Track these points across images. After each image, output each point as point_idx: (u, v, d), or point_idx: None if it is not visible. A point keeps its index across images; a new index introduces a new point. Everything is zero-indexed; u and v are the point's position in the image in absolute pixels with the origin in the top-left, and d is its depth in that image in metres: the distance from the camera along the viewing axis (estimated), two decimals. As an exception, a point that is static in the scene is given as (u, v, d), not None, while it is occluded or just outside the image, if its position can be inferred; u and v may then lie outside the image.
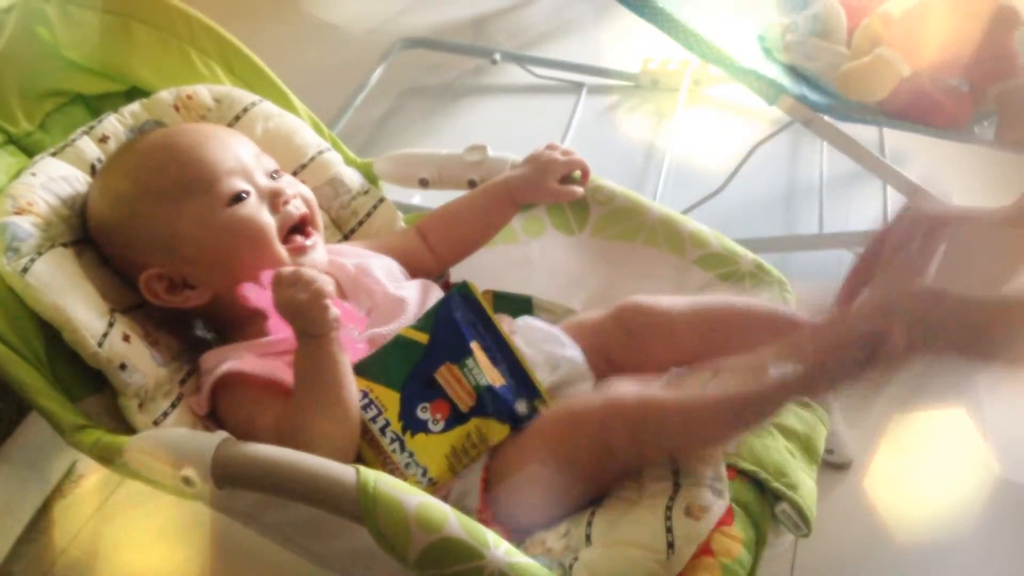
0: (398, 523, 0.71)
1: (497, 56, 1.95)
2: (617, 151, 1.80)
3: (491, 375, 0.85)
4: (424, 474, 0.83)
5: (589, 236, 1.07)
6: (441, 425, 0.84)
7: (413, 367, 0.86)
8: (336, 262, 0.97)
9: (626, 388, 0.82)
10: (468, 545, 0.71)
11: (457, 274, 1.08)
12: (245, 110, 1.06)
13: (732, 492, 0.80)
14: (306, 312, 0.80)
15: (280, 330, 0.83)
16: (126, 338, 0.85)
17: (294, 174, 1.05)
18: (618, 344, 0.93)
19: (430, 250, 1.05)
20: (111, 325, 0.85)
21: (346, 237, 1.09)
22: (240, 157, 0.92)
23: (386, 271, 0.98)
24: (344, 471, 0.73)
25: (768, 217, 1.63)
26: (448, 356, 0.86)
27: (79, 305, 0.83)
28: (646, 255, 1.04)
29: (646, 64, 1.95)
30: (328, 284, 0.81)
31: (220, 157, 0.91)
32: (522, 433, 0.84)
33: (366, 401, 0.84)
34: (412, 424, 0.84)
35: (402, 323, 0.91)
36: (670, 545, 0.74)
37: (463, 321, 0.87)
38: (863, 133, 1.40)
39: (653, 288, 0.98)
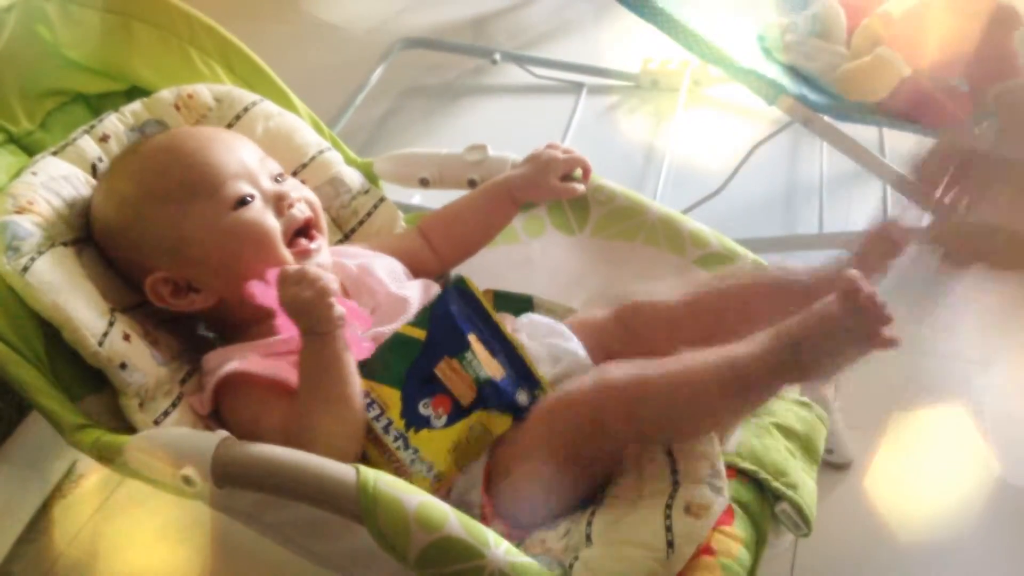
0: (398, 522, 0.71)
1: (497, 56, 1.95)
2: (617, 151, 1.80)
3: (490, 367, 0.85)
4: (430, 470, 0.83)
5: (589, 236, 1.07)
6: (444, 420, 0.84)
7: (412, 364, 0.86)
8: (339, 262, 0.97)
9: (619, 368, 0.82)
10: (468, 544, 0.71)
11: (458, 274, 1.08)
12: (246, 109, 1.06)
13: (732, 492, 0.80)
14: (311, 309, 0.80)
15: (286, 328, 0.83)
16: (126, 337, 0.85)
17: (294, 174, 1.05)
18: (619, 341, 0.93)
19: (432, 250, 1.06)
20: (111, 324, 0.85)
21: (346, 237, 1.09)
22: (245, 161, 0.93)
23: (388, 271, 0.98)
24: (344, 470, 0.73)
25: (768, 217, 1.63)
26: (446, 350, 0.86)
27: (79, 304, 0.83)
28: (646, 255, 1.04)
29: (646, 64, 1.95)
30: (333, 282, 0.81)
31: (225, 160, 0.91)
32: (521, 424, 0.84)
33: (368, 401, 0.84)
34: (415, 421, 0.84)
35: (404, 322, 0.91)
36: (670, 544, 0.74)
37: (459, 315, 0.88)
38: (863, 133, 1.40)
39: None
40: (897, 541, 1.11)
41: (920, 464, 1.20)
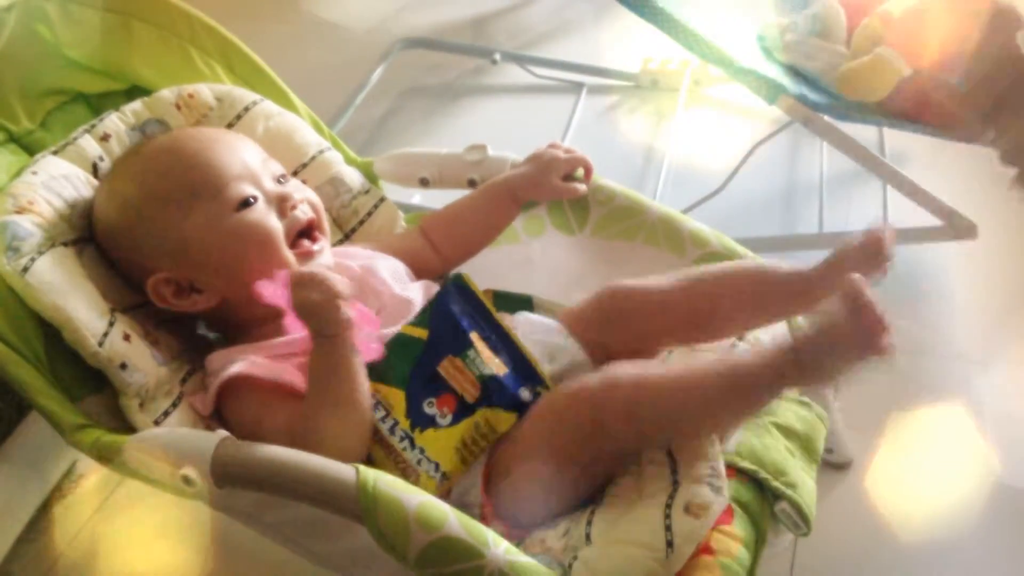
0: (398, 522, 0.71)
1: (497, 56, 1.95)
2: (617, 151, 1.79)
3: (493, 364, 0.85)
4: (437, 469, 0.83)
5: (589, 236, 1.07)
6: (449, 418, 0.84)
7: (415, 364, 0.86)
8: (342, 263, 0.97)
9: (621, 368, 0.82)
10: (468, 544, 0.71)
11: (457, 272, 1.08)
12: (246, 109, 1.06)
13: (731, 491, 0.80)
14: (320, 312, 0.80)
15: (294, 327, 0.83)
16: (126, 337, 0.85)
17: (294, 173, 1.05)
18: (604, 327, 0.92)
19: (434, 250, 1.06)
20: (111, 324, 0.85)
21: (347, 236, 1.09)
22: (247, 162, 0.93)
23: (392, 272, 0.98)
24: (344, 470, 0.73)
25: (768, 217, 1.63)
26: (449, 349, 0.86)
27: (79, 304, 0.83)
28: (646, 254, 1.04)
29: (646, 64, 1.94)
30: (343, 285, 0.81)
31: (228, 162, 0.91)
32: (520, 422, 0.84)
33: (373, 402, 0.84)
34: (420, 420, 0.84)
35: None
36: (669, 544, 0.74)
37: (460, 313, 0.88)
38: (863, 133, 1.40)
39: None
40: (897, 541, 1.11)
41: (920, 464, 1.20)
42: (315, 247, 0.93)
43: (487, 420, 0.84)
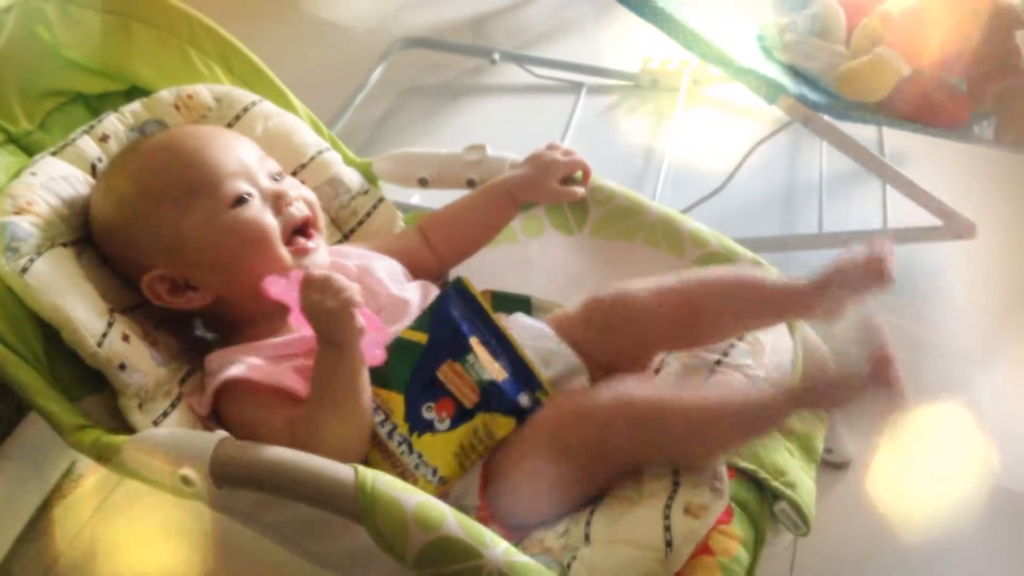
0: (396, 522, 0.71)
1: (496, 56, 1.95)
2: (617, 151, 1.79)
3: (492, 369, 0.85)
4: (434, 473, 0.83)
5: (588, 236, 1.07)
6: (447, 423, 0.84)
7: (415, 368, 0.86)
8: (338, 263, 0.97)
9: (633, 387, 0.82)
10: (466, 544, 0.71)
11: (457, 275, 1.08)
12: (245, 109, 1.06)
13: (731, 491, 0.80)
14: (333, 320, 0.80)
15: (300, 326, 0.83)
16: (125, 338, 0.85)
17: (293, 174, 1.05)
18: (591, 335, 0.92)
19: (432, 250, 1.05)
20: (110, 325, 0.85)
21: (346, 237, 1.09)
22: (243, 159, 0.93)
23: (388, 272, 0.98)
24: (343, 470, 0.73)
25: (768, 217, 1.63)
26: (448, 353, 0.86)
27: (78, 305, 0.83)
28: (645, 255, 1.04)
29: (646, 64, 1.94)
30: (357, 294, 0.80)
31: (223, 159, 0.91)
32: (521, 428, 0.84)
33: (373, 406, 0.84)
34: (419, 425, 0.84)
35: (405, 325, 0.91)
36: (668, 544, 0.74)
37: (460, 317, 0.87)
38: (863, 133, 1.40)
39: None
40: (896, 541, 1.11)
41: (919, 464, 1.20)
42: (310, 244, 0.93)
43: (486, 425, 0.84)
